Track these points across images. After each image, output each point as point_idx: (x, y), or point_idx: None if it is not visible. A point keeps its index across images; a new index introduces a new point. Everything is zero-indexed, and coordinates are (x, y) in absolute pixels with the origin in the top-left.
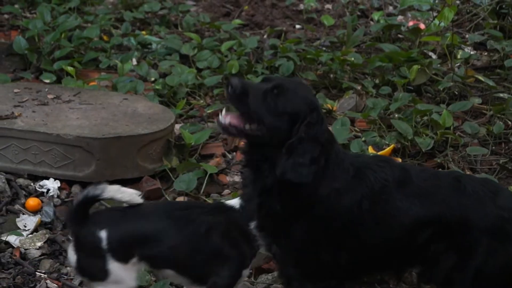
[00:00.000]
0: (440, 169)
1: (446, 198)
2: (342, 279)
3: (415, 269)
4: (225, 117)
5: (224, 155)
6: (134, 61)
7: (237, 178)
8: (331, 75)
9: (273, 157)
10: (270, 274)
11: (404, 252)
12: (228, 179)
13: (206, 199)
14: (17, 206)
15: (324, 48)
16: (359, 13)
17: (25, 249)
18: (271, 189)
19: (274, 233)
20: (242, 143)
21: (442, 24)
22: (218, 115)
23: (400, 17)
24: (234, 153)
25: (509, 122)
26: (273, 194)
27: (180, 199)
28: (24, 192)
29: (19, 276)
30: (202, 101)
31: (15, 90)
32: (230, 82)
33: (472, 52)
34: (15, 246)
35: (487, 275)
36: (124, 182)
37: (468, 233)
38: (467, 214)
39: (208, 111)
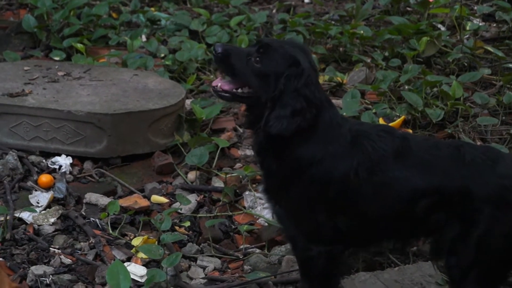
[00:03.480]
0: (450, 139)
1: (445, 168)
2: (347, 245)
3: (421, 240)
4: (217, 83)
5: (235, 129)
6: (144, 38)
7: (248, 152)
8: (341, 49)
9: (263, 115)
10: (283, 246)
11: (404, 222)
12: (239, 152)
13: (218, 173)
14: (29, 183)
15: (333, 22)
16: None
17: (39, 225)
18: (267, 148)
19: (276, 193)
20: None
21: None
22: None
23: None
24: (244, 127)
25: None
26: (269, 152)
27: (192, 173)
28: (36, 169)
29: (33, 252)
30: (212, 76)
31: (25, 68)
32: (214, 45)
33: (481, 24)
34: (29, 223)
35: (491, 244)
36: (136, 157)
37: (469, 203)
38: (467, 184)
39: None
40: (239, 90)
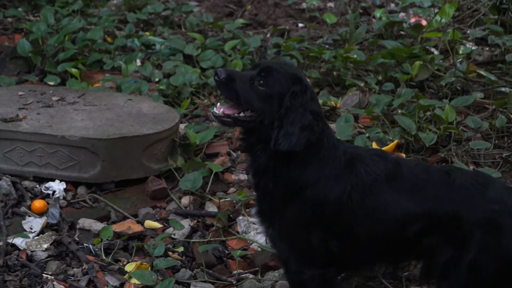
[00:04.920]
0: (444, 164)
1: (435, 193)
2: (340, 268)
3: (413, 263)
4: (219, 109)
5: (229, 154)
6: (138, 62)
7: (242, 177)
8: (334, 73)
9: (267, 136)
10: (276, 271)
11: (396, 245)
12: (233, 177)
13: (212, 198)
14: (23, 209)
15: (327, 46)
16: (361, 11)
17: (32, 251)
18: (265, 168)
19: (270, 215)
20: (237, 132)
21: (443, 20)
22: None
23: (402, 14)
24: (239, 151)
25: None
26: (267, 172)
27: (186, 198)
28: (29, 194)
29: (25, 278)
30: (206, 101)
31: (20, 93)
32: (216, 70)
33: (473, 48)
34: (22, 248)
35: (482, 268)
36: (130, 182)
37: (460, 227)
38: (457, 209)
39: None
40: (241, 114)
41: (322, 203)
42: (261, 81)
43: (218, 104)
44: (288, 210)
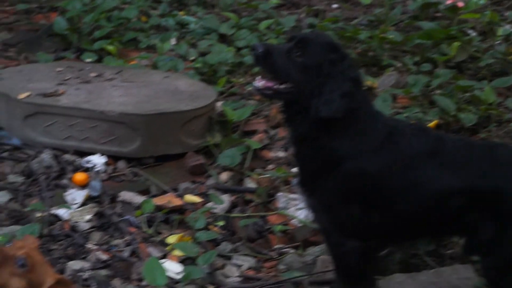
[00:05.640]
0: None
1: (477, 168)
2: (381, 241)
3: (455, 240)
4: (259, 81)
5: (266, 131)
6: (173, 41)
7: (280, 154)
8: (370, 53)
9: (306, 106)
10: (318, 246)
11: (437, 220)
12: (271, 154)
13: (250, 174)
14: (64, 181)
15: (362, 27)
16: None
17: (75, 222)
18: (305, 138)
19: (311, 185)
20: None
21: (481, 1)
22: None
23: None
24: (277, 129)
25: None
26: (307, 142)
27: (225, 174)
28: (71, 168)
29: (70, 247)
30: (242, 79)
31: (58, 69)
32: (253, 45)
33: None
34: (64, 219)
35: None
36: (168, 158)
37: (503, 203)
38: (500, 184)
39: (249, 89)
40: (282, 86)
41: (361, 175)
42: (299, 52)
43: (259, 77)
44: (328, 180)
